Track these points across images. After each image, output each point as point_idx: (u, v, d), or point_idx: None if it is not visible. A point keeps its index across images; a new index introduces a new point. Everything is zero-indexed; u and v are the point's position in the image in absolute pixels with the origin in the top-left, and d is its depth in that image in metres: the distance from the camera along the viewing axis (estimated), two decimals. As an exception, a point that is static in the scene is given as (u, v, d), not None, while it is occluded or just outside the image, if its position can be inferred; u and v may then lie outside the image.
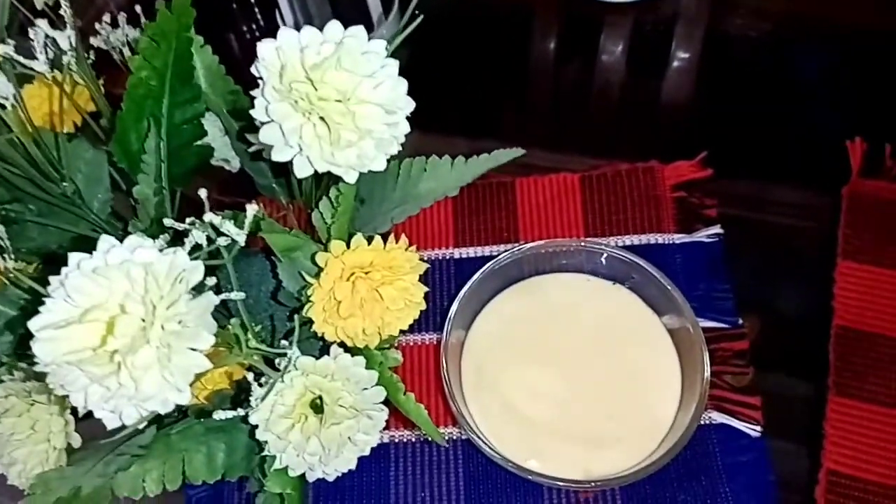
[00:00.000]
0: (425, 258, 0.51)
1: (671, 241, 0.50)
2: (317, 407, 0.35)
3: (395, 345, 0.40)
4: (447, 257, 0.52)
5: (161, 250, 0.28)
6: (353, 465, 0.36)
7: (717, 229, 0.50)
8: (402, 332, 0.38)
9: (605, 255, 0.46)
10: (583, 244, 0.46)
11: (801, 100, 0.56)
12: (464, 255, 0.52)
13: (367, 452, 0.36)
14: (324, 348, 0.38)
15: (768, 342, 0.46)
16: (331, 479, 0.36)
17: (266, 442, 0.34)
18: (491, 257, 0.45)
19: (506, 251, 0.45)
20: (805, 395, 0.45)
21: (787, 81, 0.57)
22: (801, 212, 0.51)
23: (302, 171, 0.32)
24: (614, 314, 0.46)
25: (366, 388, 0.36)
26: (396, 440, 0.47)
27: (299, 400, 0.34)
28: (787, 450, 0.44)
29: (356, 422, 0.34)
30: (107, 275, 0.25)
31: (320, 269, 0.36)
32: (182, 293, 0.26)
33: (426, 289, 0.37)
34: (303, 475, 0.36)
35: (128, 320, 0.25)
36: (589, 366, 0.44)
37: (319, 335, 0.37)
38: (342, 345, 0.37)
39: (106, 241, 0.26)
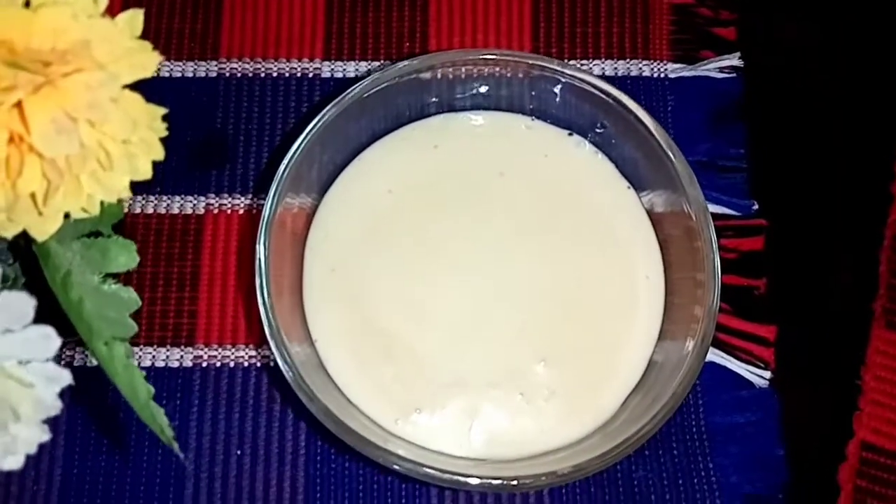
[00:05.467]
0: (274, 72, 0.37)
1: (662, 74, 0.39)
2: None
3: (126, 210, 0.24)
4: (310, 74, 0.38)
5: None
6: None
7: (735, 60, 0.39)
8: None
9: (559, 84, 0.33)
10: (525, 61, 0.33)
11: None
12: (337, 73, 0.38)
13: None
14: None
15: (783, 245, 0.37)
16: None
17: None
18: (381, 78, 0.34)
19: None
20: (834, 326, 0.36)
21: None
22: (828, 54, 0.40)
23: None
24: (565, 186, 0.34)
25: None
26: (205, 364, 0.33)
27: None
28: (800, 409, 0.35)
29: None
30: None
31: None
32: None
33: (164, 110, 0.18)
34: None
35: None
36: (516, 272, 0.33)
37: None
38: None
39: None
